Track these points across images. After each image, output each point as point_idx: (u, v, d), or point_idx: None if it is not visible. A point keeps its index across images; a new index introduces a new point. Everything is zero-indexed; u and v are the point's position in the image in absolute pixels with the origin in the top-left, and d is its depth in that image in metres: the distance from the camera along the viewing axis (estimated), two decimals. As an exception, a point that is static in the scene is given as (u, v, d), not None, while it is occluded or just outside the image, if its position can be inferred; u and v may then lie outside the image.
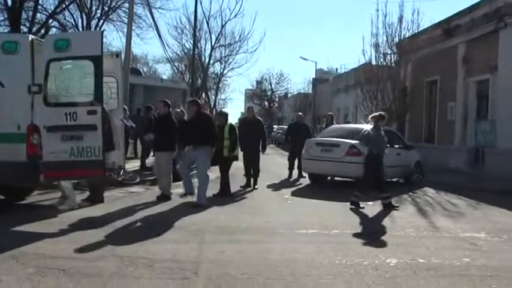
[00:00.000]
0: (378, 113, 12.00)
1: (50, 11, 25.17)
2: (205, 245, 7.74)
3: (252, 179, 14.26)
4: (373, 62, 24.24)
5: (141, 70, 57.34)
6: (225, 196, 12.17)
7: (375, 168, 11.42)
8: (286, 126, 23.19)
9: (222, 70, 40.37)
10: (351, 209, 11.30)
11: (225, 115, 12.97)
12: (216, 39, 35.16)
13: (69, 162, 9.11)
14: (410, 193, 14.43)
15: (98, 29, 26.11)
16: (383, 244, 8.13)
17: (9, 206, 10.29)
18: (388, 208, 11.31)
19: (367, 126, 11.65)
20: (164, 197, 11.52)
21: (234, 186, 13.92)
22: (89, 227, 8.61)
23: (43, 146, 9.06)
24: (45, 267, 6.17)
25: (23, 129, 9.07)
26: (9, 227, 8.36)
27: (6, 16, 23.14)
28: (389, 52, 23.86)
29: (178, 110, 14.39)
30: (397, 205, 11.57)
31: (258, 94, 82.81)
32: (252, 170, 14.30)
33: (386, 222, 10.11)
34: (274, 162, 16.88)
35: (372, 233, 8.88)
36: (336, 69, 65.69)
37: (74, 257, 6.70)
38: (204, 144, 10.99)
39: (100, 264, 6.43)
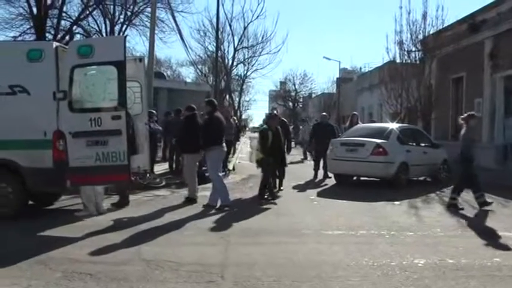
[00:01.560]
0: (468, 113, 11.79)
1: (74, 18, 25.43)
2: (231, 247, 7.74)
3: (277, 180, 14.22)
4: (397, 60, 23.99)
5: (164, 74, 57.64)
6: (263, 199, 12.12)
7: (469, 169, 11.32)
8: (310, 126, 23.05)
9: (245, 72, 40.46)
10: (448, 207, 11.32)
11: (277, 118, 13.02)
12: (238, 41, 35.25)
13: (94, 168, 9.18)
14: (438, 192, 14.23)
15: (121, 34, 26.28)
16: (411, 244, 8.02)
17: (38, 211, 10.41)
18: (483, 206, 11.22)
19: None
20: (189, 200, 11.56)
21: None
22: (115, 231, 8.68)
23: (69, 152, 9.14)
24: (73, 272, 6.23)
25: (49, 136, 9.15)
26: (37, 232, 8.48)
27: (32, 24, 23.44)
28: (413, 49, 23.58)
29: (202, 113, 14.41)
30: (490, 201, 11.39)
31: (282, 95, 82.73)
32: (278, 171, 14.26)
33: (413, 222, 9.98)
34: (299, 162, 16.78)
35: (400, 233, 8.77)
36: (360, 68, 65.19)
37: (100, 261, 6.75)
38: (209, 146, 11.02)
39: (126, 268, 6.46)
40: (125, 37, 11.79)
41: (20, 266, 6.51)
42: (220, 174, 11.57)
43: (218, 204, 10.90)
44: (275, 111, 16.24)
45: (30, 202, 10.39)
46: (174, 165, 16.84)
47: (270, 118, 12.96)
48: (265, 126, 12.30)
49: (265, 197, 12.10)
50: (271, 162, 12.23)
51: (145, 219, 9.63)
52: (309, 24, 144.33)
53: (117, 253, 7.14)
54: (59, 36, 23.82)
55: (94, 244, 7.64)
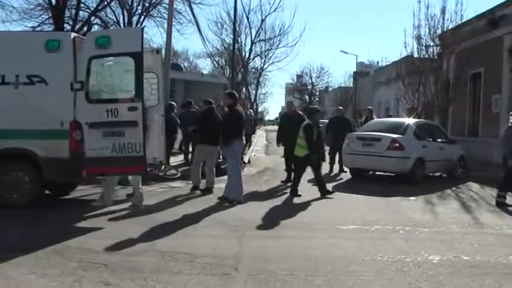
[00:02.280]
0: None
1: (92, 9, 25.49)
2: (245, 240, 7.76)
3: (292, 174, 14.17)
4: (415, 55, 23.81)
5: (181, 65, 57.76)
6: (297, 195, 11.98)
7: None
8: (326, 121, 22.96)
9: (262, 65, 40.40)
10: (499, 205, 11.29)
11: (318, 111, 13.09)
12: (256, 34, 35.18)
13: (110, 158, 9.19)
14: (454, 188, 14.15)
15: (138, 25, 26.32)
16: (426, 240, 7.98)
17: (54, 200, 10.50)
18: (499, 205, 11.26)
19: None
20: (207, 189, 11.74)
21: (275, 181, 13.93)
22: (130, 222, 8.74)
23: (85, 142, 9.18)
24: (88, 262, 6.28)
25: (66, 126, 9.21)
26: (54, 222, 8.56)
27: (50, 15, 23.56)
28: (431, 44, 23.39)
29: (218, 104, 14.42)
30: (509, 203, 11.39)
31: (298, 88, 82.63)
32: (293, 165, 14.21)
33: (429, 218, 9.93)
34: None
35: (415, 229, 8.73)
36: (377, 62, 64.85)
37: (115, 252, 6.80)
38: (230, 139, 10.96)
39: (141, 259, 6.50)
40: (142, 28, 11.81)
41: (37, 254, 6.57)
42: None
43: (230, 198, 10.89)
44: (293, 105, 16.15)
45: (47, 192, 10.48)
46: (189, 157, 16.88)
47: (312, 113, 12.61)
48: (308, 121, 12.09)
49: (299, 194, 11.98)
50: (315, 159, 12.05)
51: (160, 211, 9.69)
52: (326, 18, 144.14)
53: (132, 244, 7.18)
54: (77, 26, 23.90)
55: (109, 235, 7.69)
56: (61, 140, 9.22)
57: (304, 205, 10.98)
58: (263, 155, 24.26)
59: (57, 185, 10.59)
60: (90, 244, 7.11)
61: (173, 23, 19.92)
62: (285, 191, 12.54)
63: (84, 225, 8.38)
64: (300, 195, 11.81)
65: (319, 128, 12.37)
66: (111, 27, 25.78)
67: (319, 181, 12.17)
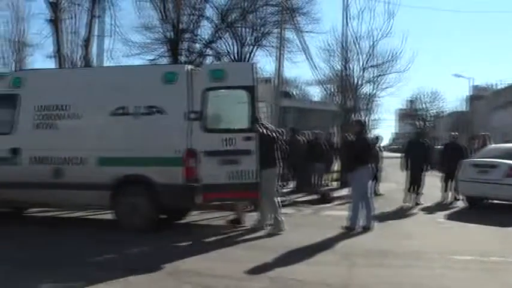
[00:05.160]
0: None
1: (205, 41, 26.53)
2: (356, 268, 7.70)
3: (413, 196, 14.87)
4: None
5: (292, 93, 58.31)
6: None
7: None
8: (440, 147, 22.22)
9: (373, 91, 39.94)
10: None
11: None
12: (366, 60, 34.88)
13: (226, 185, 9.62)
14: None
15: (250, 55, 27.15)
16: (548, 274, 7.54)
17: (169, 224, 10.95)
18: None
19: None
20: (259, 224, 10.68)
21: (387, 207, 13.70)
22: (241, 246, 8.96)
23: (202, 170, 9.59)
24: (198, 285, 6.53)
25: (181, 154, 9.64)
26: (168, 245, 8.96)
27: (167, 48, 24.84)
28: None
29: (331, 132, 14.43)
30: None
31: (410, 114, 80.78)
32: (414, 188, 14.80)
33: (552, 249, 9.37)
34: (427, 183, 16.27)
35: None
36: (495, 85, 61.98)
37: (226, 276, 6.98)
38: (358, 166, 10.80)
39: (251, 284, 6.65)
40: (253, 64, 12.06)
41: (152, 276, 6.92)
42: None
43: (359, 226, 10.65)
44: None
45: (162, 216, 10.94)
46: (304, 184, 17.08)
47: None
48: None
49: None
50: None
51: (271, 236, 9.85)
52: (437, 41, 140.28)
53: (242, 268, 7.30)
54: (192, 58, 24.97)
55: (221, 258, 7.95)
56: (176, 166, 9.64)
57: (417, 233, 10.69)
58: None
59: (172, 209, 11.03)
60: (201, 267, 7.37)
61: (283, 52, 20.34)
62: (396, 219, 12.27)
63: (196, 248, 8.65)
64: None
65: None
66: (224, 58, 26.72)
67: None
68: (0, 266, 7.23)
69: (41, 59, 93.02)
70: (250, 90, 9.68)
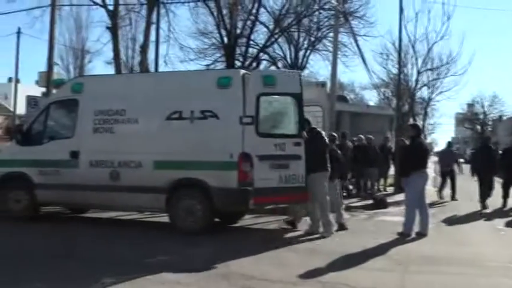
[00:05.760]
0: None
1: (260, 45, 26.72)
2: (408, 275, 7.59)
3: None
4: None
5: (347, 97, 57.77)
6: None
7: None
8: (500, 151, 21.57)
9: (429, 94, 39.20)
10: None
11: None
12: (422, 63, 34.25)
13: (277, 189, 9.77)
14: None
15: (305, 59, 27.31)
16: None
17: (223, 228, 11.05)
18: None
19: None
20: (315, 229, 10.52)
21: (439, 216, 13.40)
22: (293, 251, 8.96)
23: (254, 174, 9.66)
24: (248, 288, 6.56)
25: (235, 158, 9.70)
26: (221, 247, 9.07)
27: (222, 53, 25.18)
28: None
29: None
30: None
31: (469, 118, 78.92)
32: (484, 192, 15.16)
33: None
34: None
35: None
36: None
37: (278, 280, 7.01)
38: (413, 171, 10.56)
39: (301, 288, 6.64)
40: (300, 73, 11.86)
41: (204, 278, 7.03)
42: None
43: (414, 232, 10.44)
44: None
45: (217, 219, 11.07)
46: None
47: None
48: None
49: None
50: None
51: (321, 240, 9.86)
52: (497, 42, 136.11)
53: (293, 272, 7.30)
54: (247, 62, 25.21)
55: (275, 262, 7.99)
56: (230, 170, 9.72)
57: (474, 240, 10.51)
58: (431, 187, 23.41)
59: (226, 213, 11.13)
60: (252, 270, 7.41)
61: (338, 56, 20.23)
62: (454, 225, 12.01)
63: (249, 251, 8.66)
64: None
65: None
66: (279, 63, 26.87)
67: None
68: (68, 263, 7.60)
69: (100, 65, 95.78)
70: (298, 97, 9.92)
